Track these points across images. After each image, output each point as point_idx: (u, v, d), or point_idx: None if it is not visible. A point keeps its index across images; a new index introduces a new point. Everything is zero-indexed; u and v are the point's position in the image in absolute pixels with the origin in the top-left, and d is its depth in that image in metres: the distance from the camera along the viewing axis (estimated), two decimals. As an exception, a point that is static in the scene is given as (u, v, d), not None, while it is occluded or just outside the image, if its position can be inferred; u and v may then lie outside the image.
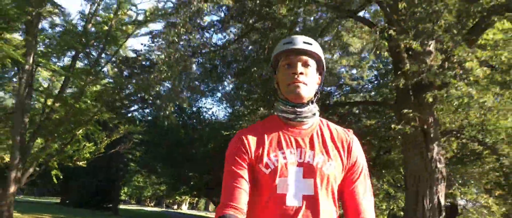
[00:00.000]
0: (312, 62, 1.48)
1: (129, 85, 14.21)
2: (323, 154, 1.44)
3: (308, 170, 1.41)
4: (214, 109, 40.72)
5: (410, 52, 6.29)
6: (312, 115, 1.49)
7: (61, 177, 15.78)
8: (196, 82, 11.66)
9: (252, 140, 1.45)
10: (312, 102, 1.50)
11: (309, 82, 1.46)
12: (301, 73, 1.44)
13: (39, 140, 13.50)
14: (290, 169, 1.40)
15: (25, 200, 28.65)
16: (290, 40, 1.49)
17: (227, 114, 19.65)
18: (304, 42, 1.47)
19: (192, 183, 25.89)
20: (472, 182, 10.96)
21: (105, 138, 17.04)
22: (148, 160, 24.75)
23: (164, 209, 57.36)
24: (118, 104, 16.77)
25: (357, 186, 1.48)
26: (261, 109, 10.52)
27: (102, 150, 16.98)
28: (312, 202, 1.38)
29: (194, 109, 22.86)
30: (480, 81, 5.62)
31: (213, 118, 23.87)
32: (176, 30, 6.97)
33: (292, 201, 1.38)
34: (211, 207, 68.88)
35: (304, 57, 1.47)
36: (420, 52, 6.20)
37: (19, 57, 10.55)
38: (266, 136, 1.46)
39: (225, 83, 13.32)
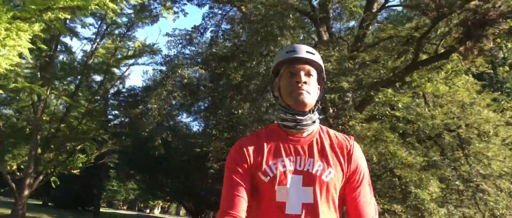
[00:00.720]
0: (314, 72, 1.49)
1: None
2: (323, 162, 1.43)
3: (308, 178, 1.40)
4: (189, 120, 44.27)
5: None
6: (312, 122, 1.48)
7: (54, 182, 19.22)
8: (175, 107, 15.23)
9: (251, 148, 1.45)
10: (312, 111, 1.49)
11: (311, 91, 1.46)
12: (304, 82, 1.45)
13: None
14: (289, 177, 1.39)
15: (8, 201, 31.23)
16: (293, 49, 1.49)
17: (201, 128, 23.19)
18: (307, 52, 1.48)
19: (168, 190, 29.39)
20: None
21: (96, 151, 20.57)
22: (128, 168, 28.13)
23: (138, 213, 60.09)
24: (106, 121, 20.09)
25: (359, 193, 1.46)
26: (225, 134, 14.05)
27: (92, 160, 20.54)
28: (311, 210, 1.38)
29: (171, 123, 26.40)
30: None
31: (187, 131, 27.39)
32: (165, 89, 10.69)
33: (291, 209, 1.37)
34: (182, 211, 72.09)
35: (307, 67, 1.47)
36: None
37: (41, 91, 13.87)
38: (265, 144, 1.46)
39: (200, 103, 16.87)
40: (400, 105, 7.73)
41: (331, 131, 1.55)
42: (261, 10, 10.07)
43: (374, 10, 9.98)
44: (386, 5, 10.46)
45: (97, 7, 7.15)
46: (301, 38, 12.48)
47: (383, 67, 8.73)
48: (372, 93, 8.30)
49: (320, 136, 1.51)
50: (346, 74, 8.29)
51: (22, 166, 18.30)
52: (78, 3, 6.81)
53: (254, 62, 10.65)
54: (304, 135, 1.48)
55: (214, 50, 12.44)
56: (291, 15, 10.26)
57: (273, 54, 10.57)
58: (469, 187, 7.60)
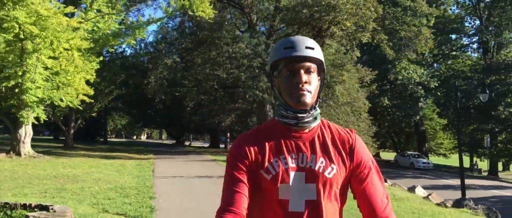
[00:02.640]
0: (314, 67, 1.42)
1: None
2: (325, 158, 1.41)
3: (310, 175, 1.38)
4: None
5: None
6: (313, 119, 1.44)
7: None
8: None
9: (253, 145, 1.43)
10: (313, 107, 1.44)
11: (312, 89, 1.41)
12: (305, 82, 1.38)
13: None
14: (292, 174, 1.38)
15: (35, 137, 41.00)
16: (291, 45, 1.41)
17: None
18: (307, 48, 1.40)
19: (158, 119, 39.98)
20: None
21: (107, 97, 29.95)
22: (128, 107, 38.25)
23: (126, 139, 71.06)
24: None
25: (367, 185, 1.43)
26: (192, 82, 24.18)
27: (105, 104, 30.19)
28: (315, 207, 1.36)
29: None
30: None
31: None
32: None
33: (295, 207, 1.36)
34: (164, 135, 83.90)
35: (307, 64, 1.40)
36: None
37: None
38: (267, 141, 1.43)
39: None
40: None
41: (332, 125, 1.51)
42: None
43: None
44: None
45: None
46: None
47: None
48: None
49: (321, 131, 1.46)
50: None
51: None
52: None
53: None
54: (306, 131, 1.44)
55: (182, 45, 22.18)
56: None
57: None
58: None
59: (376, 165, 1.48)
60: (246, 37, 22.73)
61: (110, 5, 17.88)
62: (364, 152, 1.48)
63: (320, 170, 1.39)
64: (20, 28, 13.20)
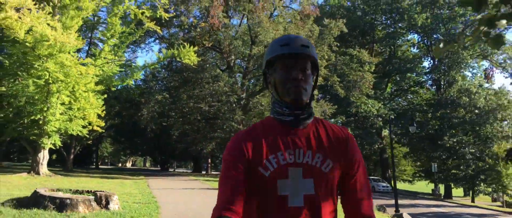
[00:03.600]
0: (308, 65, 1.46)
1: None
2: (321, 153, 1.43)
3: (307, 170, 1.41)
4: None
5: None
6: (309, 115, 1.47)
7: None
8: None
9: (249, 143, 1.43)
10: (308, 104, 1.47)
11: (307, 86, 1.44)
12: (301, 79, 1.42)
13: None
14: (290, 170, 1.40)
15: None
16: (286, 42, 1.44)
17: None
18: (302, 46, 1.43)
19: (144, 147, 43.80)
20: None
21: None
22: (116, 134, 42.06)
23: (112, 166, 74.13)
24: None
25: (355, 183, 1.47)
26: (179, 114, 28.36)
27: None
28: (313, 201, 1.39)
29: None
30: None
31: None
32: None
33: (294, 202, 1.38)
34: (148, 163, 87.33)
35: (302, 61, 1.44)
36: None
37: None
38: (263, 138, 1.44)
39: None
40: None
41: (326, 122, 1.54)
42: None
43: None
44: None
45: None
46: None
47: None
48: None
49: (316, 127, 1.49)
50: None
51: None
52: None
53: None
54: (301, 127, 1.46)
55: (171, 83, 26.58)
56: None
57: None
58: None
59: (364, 165, 1.54)
60: (225, 76, 27.19)
61: (113, 52, 22.15)
62: (357, 149, 1.52)
63: (317, 165, 1.42)
64: (49, 75, 17.32)
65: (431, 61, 43.35)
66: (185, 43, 22.04)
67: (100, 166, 61.44)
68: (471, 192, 37.17)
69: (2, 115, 19.90)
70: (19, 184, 15.29)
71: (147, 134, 37.23)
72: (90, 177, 23.83)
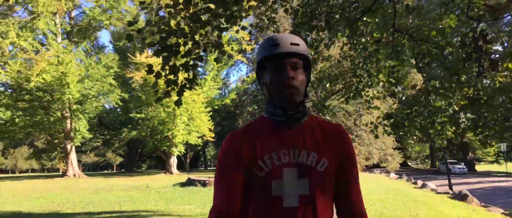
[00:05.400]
0: (300, 63, 1.43)
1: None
2: (316, 152, 1.41)
3: (303, 170, 1.39)
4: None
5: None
6: (302, 115, 1.44)
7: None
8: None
9: (244, 143, 1.42)
10: (301, 103, 1.44)
11: (299, 85, 1.41)
12: (292, 77, 1.39)
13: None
14: (285, 170, 1.38)
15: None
16: (276, 42, 1.41)
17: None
18: (292, 44, 1.41)
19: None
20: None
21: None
22: (218, 140, 50.50)
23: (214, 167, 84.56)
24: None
25: (348, 180, 1.47)
26: None
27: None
28: (308, 201, 1.37)
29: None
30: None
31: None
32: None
33: (289, 202, 1.36)
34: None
35: (293, 60, 1.41)
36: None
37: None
38: (257, 138, 1.43)
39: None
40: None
41: (320, 120, 1.51)
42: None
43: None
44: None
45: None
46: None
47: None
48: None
49: (311, 126, 1.46)
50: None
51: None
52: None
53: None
54: (295, 127, 1.43)
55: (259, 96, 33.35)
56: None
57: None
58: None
59: (356, 161, 1.51)
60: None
61: (213, 79, 29.66)
62: (351, 146, 1.50)
63: (312, 165, 1.39)
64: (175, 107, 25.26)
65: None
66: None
67: (208, 168, 71.85)
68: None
69: (143, 134, 28.43)
70: (165, 179, 23.13)
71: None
72: (203, 173, 31.66)
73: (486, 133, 7.00)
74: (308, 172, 1.39)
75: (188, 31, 5.11)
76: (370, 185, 15.71)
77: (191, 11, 5.24)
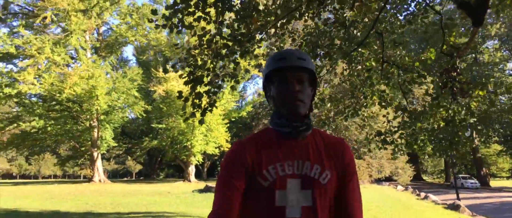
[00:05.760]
0: (306, 77, 1.47)
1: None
2: (319, 165, 1.44)
3: (306, 181, 1.40)
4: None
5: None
6: (307, 127, 1.47)
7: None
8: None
9: (249, 152, 1.44)
10: (307, 116, 1.48)
11: (305, 98, 1.45)
12: (297, 91, 1.43)
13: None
14: (289, 181, 1.40)
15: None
16: (283, 56, 1.47)
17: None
18: (298, 58, 1.46)
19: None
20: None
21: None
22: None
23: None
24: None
25: (349, 192, 1.49)
26: None
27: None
28: (311, 212, 1.39)
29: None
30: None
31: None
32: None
33: (291, 213, 1.37)
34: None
35: (299, 74, 1.45)
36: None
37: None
38: (263, 148, 1.45)
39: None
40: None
41: (323, 133, 1.55)
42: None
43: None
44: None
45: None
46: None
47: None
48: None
49: (314, 139, 1.49)
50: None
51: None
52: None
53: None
54: (300, 138, 1.46)
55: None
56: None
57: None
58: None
59: (356, 175, 1.54)
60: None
61: (230, 92, 31.17)
62: (352, 159, 1.53)
63: (316, 177, 1.41)
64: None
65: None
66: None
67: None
68: None
69: (163, 143, 30.09)
70: (184, 186, 24.65)
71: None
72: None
73: (462, 149, 8.18)
74: (312, 183, 1.41)
75: (210, 66, 6.55)
76: (373, 195, 16.86)
77: (212, 47, 6.68)
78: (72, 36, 24.99)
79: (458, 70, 7.28)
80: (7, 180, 49.29)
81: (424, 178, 60.81)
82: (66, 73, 24.43)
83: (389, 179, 39.66)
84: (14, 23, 27.84)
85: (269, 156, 1.42)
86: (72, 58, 27.30)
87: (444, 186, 43.55)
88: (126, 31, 28.79)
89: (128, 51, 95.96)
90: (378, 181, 34.00)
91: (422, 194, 19.74)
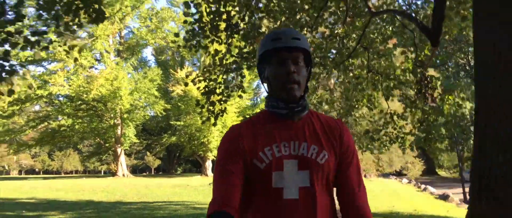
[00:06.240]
0: (301, 57, 1.44)
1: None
2: (316, 145, 1.42)
3: (303, 162, 1.39)
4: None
5: None
6: (303, 108, 1.45)
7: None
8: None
9: (245, 135, 1.42)
10: (303, 96, 1.45)
11: (301, 79, 1.42)
12: (293, 71, 1.40)
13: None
14: (285, 162, 1.39)
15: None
16: (278, 36, 1.43)
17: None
18: (293, 38, 1.42)
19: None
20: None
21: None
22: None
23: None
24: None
25: (350, 174, 1.47)
26: None
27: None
28: (309, 193, 1.38)
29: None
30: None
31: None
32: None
33: (289, 194, 1.37)
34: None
35: (294, 54, 1.42)
36: None
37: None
38: (258, 131, 1.43)
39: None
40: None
41: (320, 114, 1.53)
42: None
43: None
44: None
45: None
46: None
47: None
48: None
49: (311, 119, 1.48)
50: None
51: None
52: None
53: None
54: (296, 119, 1.44)
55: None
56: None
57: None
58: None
59: (357, 155, 1.52)
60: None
61: (246, 89, 32.84)
62: (351, 140, 1.51)
63: (313, 157, 1.39)
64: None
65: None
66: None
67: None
68: None
69: (181, 139, 31.95)
70: (201, 180, 26.43)
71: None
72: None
73: (437, 144, 9.62)
74: (309, 164, 1.39)
75: (221, 80, 8.18)
76: (373, 186, 18.21)
77: (224, 63, 8.30)
78: (97, 41, 26.95)
79: (429, 79, 8.72)
80: (30, 176, 51.92)
81: (440, 172, 61.12)
82: (92, 75, 26.44)
83: (399, 174, 40.62)
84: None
85: (265, 138, 1.41)
86: (95, 60, 29.32)
87: (458, 180, 43.98)
88: (146, 34, 30.66)
89: (147, 52, 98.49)
90: (386, 175, 35.19)
91: (422, 186, 21.03)
